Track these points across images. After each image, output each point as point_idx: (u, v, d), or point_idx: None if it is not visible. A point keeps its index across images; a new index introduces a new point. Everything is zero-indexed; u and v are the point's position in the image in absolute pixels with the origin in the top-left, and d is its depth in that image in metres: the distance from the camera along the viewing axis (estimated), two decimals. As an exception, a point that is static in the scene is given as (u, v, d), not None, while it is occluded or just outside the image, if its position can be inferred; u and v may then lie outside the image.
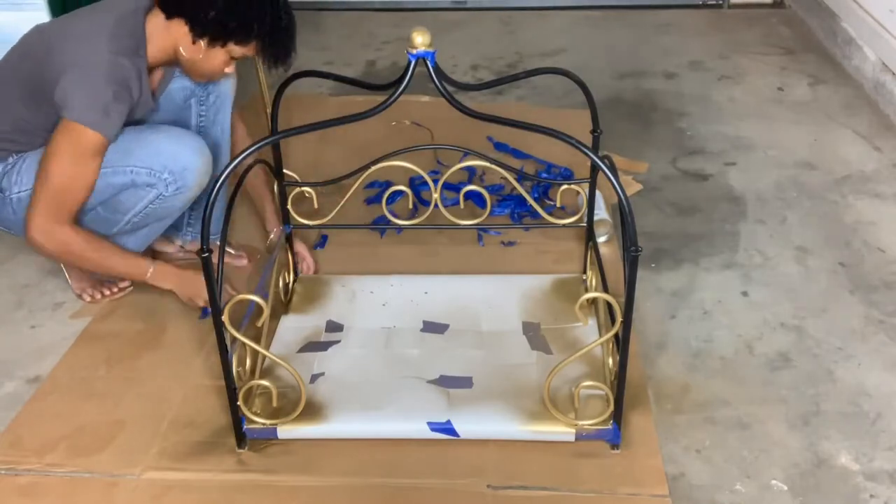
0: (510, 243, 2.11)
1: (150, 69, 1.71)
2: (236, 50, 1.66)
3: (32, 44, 1.70)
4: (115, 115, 1.61)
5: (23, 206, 1.70)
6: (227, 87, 1.91)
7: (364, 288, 1.90)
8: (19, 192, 1.72)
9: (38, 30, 1.72)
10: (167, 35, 1.65)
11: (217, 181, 1.33)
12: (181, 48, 1.66)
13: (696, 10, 3.65)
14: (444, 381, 1.63)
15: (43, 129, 1.67)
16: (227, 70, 1.72)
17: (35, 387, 1.71)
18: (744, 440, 1.56)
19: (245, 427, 1.53)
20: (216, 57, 1.67)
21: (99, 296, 1.93)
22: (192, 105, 1.89)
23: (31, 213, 1.65)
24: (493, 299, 1.86)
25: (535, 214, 1.92)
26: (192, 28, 1.63)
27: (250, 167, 1.60)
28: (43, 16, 3.53)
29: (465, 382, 1.63)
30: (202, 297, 1.79)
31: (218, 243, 1.46)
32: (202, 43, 1.64)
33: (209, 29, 1.62)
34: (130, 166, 1.71)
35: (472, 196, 2.09)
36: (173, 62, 1.72)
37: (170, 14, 1.63)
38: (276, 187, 1.85)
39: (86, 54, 1.60)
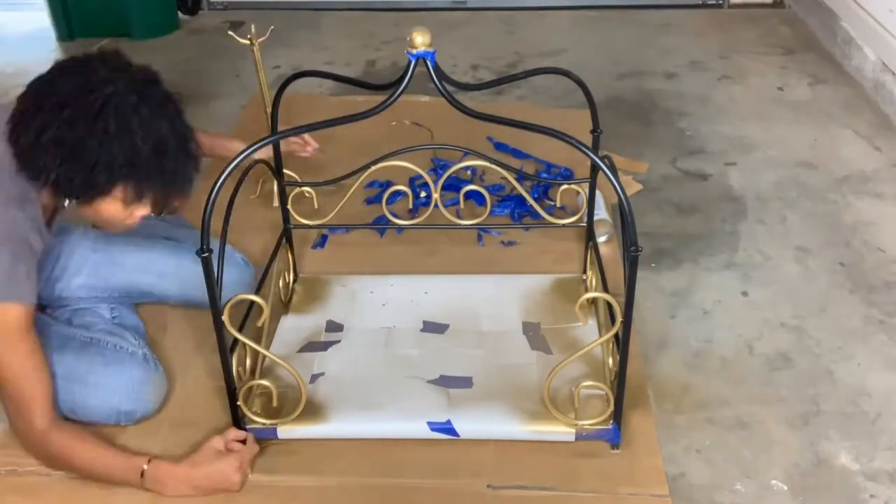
0: (510, 243, 2.11)
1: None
2: (119, 200, 1.38)
3: None
4: (23, 277, 1.37)
5: None
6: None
7: (364, 288, 1.90)
8: None
9: None
10: None
11: (216, 183, 1.32)
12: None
13: (696, 10, 3.65)
14: (444, 381, 1.63)
15: None
16: (135, 219, 1.44)
17: (35, 387, 1.70)
18: (744, 440, 1.56)
19: (245, 427, 1.53)
20: (106, 209, 1.40)
21: None
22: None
23: (13, 428, 1.46)
24: (493, 299, 1.86)
25: (535, 214, 1.92)
26: (50, 190, 1.38)
27: (250, 167, 1.60)
28: (43, 16, 3.54)
29: (465, 382, 1.63)
30: (231, 480, 1.45)
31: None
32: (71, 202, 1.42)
33: (60, 189, 1.36)
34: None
35: (472, 196, 2.09)
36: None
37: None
38: (276, 187, 1.85)
39: None
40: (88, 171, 1.32)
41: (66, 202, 1.45)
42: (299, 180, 1.91)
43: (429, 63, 1.39)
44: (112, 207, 1.40)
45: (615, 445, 1.52)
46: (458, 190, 1.90)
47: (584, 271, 1.92)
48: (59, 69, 1.36)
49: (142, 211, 1.43)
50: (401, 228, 1.97)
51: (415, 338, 1.75)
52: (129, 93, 1.33)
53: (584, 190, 1.86)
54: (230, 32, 2.17)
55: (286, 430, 1.53)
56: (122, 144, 1.32)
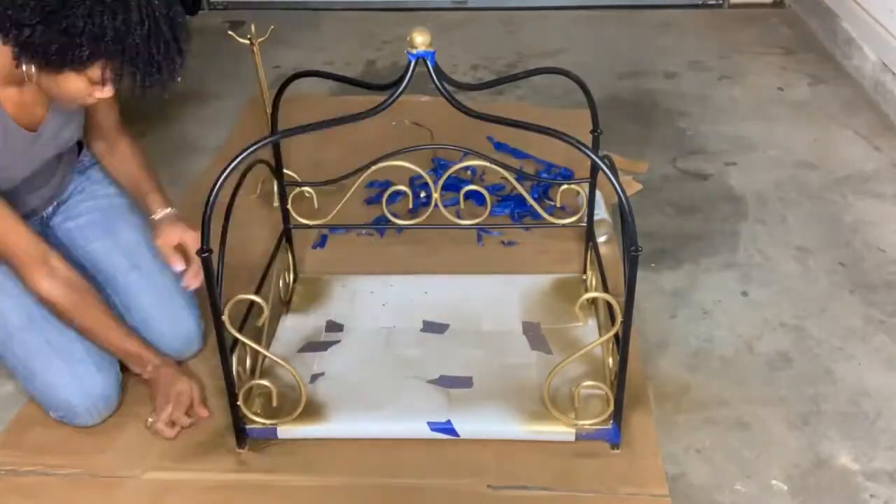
0: (510, 243, 2.11)
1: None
2: (86, 76, 1.26)
3: None
4: None
5: None
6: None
7: (364, 288, 1.90)
8: None
9: None
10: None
11: (216, 183, 1.32)
12: (22, 71, 1.28)
13: (696, 10, 3.65)
14: (444, 381, 1.63)
15: None
16: (93, 98, 1.32)
17: (35, 387, 1.70)
18: (744, 440, 1.56)
19: (245, 427, 1.53)
20: (69, 83, 1.28)
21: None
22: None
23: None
24: (493, 299, 1.86)
25: (535, 214, 1.92)
26: (13, 49, 1.24)
27: (249, 168, 1.60)
28: (43, 16, 3.54)
29: (465, 382, 1.63)
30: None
31: None
32: (32, 68, 1.26)
33: (30, 52, 1.23)
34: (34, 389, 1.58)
35: (472, 196, 2.09)
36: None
37: None
38: (276, 187, 1.85)
39: None
40: (70, 40, 1.18)
41: (26, 67, 1.27)
42: (299, 180, 1.91)
43: (429, 63, 1.39)
44: (77, 84, 1.27)
45: (615, 445, 1.52)
46: (458, 190, 1.90)
47: (584, 271, 1.92)
48: None
49: (107, 93, 1.31)
50: (401, 228, 1.97)
51: (415, 338, 1.75)
52: None
53: (584, 190, 1.86)
54: (230, 32, 2.17)
55: (286, 430, 1.53)
56: (116, 19, 1.18)
